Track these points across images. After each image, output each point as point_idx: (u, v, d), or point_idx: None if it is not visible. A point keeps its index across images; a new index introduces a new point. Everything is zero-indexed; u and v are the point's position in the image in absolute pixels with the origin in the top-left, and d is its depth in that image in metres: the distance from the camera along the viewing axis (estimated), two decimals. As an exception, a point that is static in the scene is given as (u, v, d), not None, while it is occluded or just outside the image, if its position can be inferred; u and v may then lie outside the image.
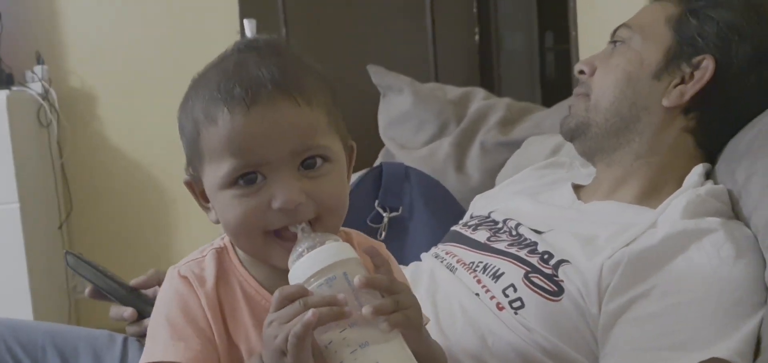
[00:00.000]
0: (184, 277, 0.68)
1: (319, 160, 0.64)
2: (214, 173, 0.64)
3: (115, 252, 2.49)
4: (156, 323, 0.68)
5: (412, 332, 0.63)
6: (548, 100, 1.93)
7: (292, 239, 0.63)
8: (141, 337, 0.98)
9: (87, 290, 1.01)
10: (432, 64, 2.38)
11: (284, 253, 0.63)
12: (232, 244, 0.71)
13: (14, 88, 2.19)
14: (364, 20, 2.48)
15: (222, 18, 2.45)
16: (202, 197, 0.69)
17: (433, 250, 1.00)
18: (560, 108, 1.40)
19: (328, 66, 2.23)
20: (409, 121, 1.56)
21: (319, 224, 0.65)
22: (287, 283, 0.63)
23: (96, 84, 2.45)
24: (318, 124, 0.65)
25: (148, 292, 1.00)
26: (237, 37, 2.41)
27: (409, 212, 1.27)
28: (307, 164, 0.64)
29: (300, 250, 0.62)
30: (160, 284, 1.02)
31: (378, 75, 1.66)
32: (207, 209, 0.69)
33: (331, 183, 0.65)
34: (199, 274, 0.68)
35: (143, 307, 0.96)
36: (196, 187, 0.70)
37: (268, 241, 0.65)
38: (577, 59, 1.59)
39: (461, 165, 1.44)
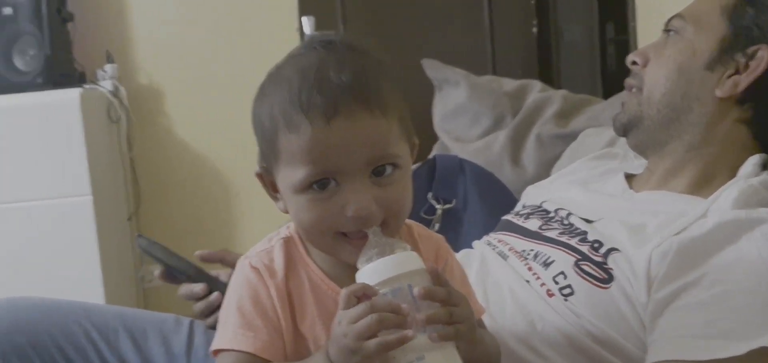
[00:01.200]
0: (255, 268, 0.71)
1: (389, 168, 0.67)
2: (290, 176, 0.67)
3: (181, 243, 2.56)
4: (227, 311, 0.71)
5: (463, 343, 0.65)
6: (609, 92, 1.91)
7: (362, 239, 0.66)
8: (207, 316, 1.02)
9: (157, 272, 1.07)
10: (489, 57, 2.37)
11: (353, 251, 0.67)
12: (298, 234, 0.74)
13: (86, 87, 2.29)
14: (421, 14, 2.48)
15: (281, 15, 2.50)
16: (272, 188, 0.73)
17: (485, 237, 1.02)
18: (617, 100, 1.39)
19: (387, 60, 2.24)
20: (465, 114, 1.58)
21: (386, 227, 0.67)
22: (352, 275, 0.66)
23: (163, 81, 2.54)
24: (391, 133, 0.67)
25: (214, 272, 1.05)
26: (296, 34, 2.47)
27: (463, 204, 1.29)
28: (378, 171, 0.66)
29: (370, 253, 0.65)
30: (223, 262, 1.08)
31: (433, 69, 1.68)
32: (276, 199, 0.73)
33: (399, 189, 0.68)
34: (268, 265, 0.72)
35: (212, 284, 1.01)
36: (266, 178, 0.73)
37: (337, 239, 0.68)
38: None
39: (517, 158, 1.45)
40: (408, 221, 0.76)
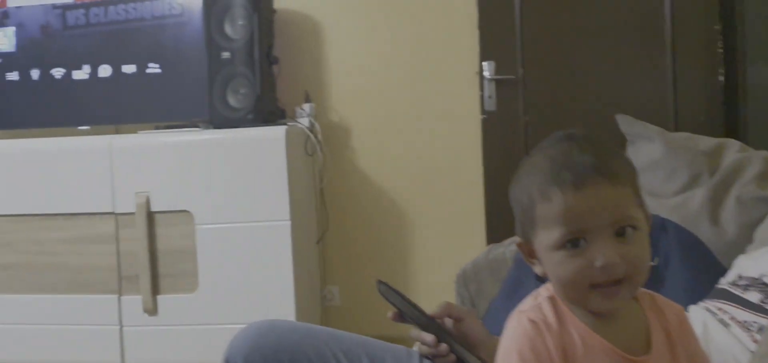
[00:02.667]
0: (533, 321, 0.83)
1: (629, 229, 0.79)
2: (547, 239, 0.81)
3: (359, 267, 2.78)
4: (507, 359, 0.83)
5: None
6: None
7: (610, 289, 0.79)
8: (433, 357, 1.15)
9: (390, 314, 1.20)
10: (672, 106, 2.33)
11: (602, 300, 0.80)
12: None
13: (288, 123, 2.54)
14: (601, 60, 2.48)
15: (462, 60, 2.63)
16: (529, 254, 0.86)
17: (703, 303, 1.07)
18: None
19: (564, 106, 2.37)
20: (660, 170, 1.62)
21: (627, 283, 0.79)
22: (609, 329, 0.81)
23: (351, 119, 2.75)
24: (628, 199, 0.80)
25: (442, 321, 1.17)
26: (475, 78, 2.60)
27: (664, 263, 1.33)
28: (620, 232, 0.79)
29: None
30: (450, 316, 1.20)
31: (626, 123, 1.73)
32: (533, 264, 0.86)
33: (638, 248, 0.80)
34: (543, 319, 0.83)
35: (441, 334, 1.14)
36: (525, 246, 0.87)
37: (589, 291, 0.80)
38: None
39: (716, 217, 1.47)
40: (649, 291, 0.86)
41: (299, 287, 2.40)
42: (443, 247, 2.71)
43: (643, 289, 0.85)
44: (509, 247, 1.85)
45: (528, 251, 0.87)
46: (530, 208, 0.83)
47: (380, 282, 1.19)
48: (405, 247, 2.75)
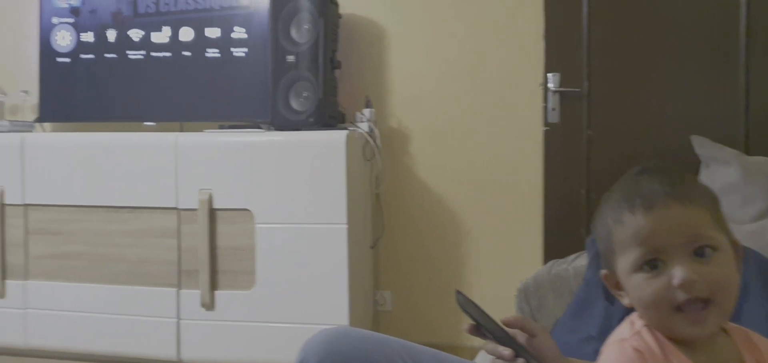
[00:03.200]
0: (638, 351, 0.82)
1: (708, 250, 0.80)
2: (625, 262, 0.83)
3: (412, 274, 2.78)
4: None
5: None
6: None
7: (694, 312, 0.78)
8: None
9: (467, 326, 1.19)
10: (742, 127, 2.26)
11: (686, 324, 0.79)
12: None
13: (349, 127, 2.55)
14: (670, 76, 2.42)
15: (526, 71, 2.61)
16: (616, 287, 0.87)
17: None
18: None
19: (630, 122, 2.32)
20: (735, 194, 1.58)
21: (713, 307, 0.79)
22: (699, 359, 0.79)
23: (410, 125, 2.75)
24: (703, 220, 0.81)
25: (514, 333, 1.16)
26: (539, 90, 2.57)
27: (743, 292, 1.30)
28: (698, 252, 0.79)
29: None
30: (523, 330, 1.19)
31: (701, 145, 1.69)
32: (620, 296, 0.86)
33: (719, 268, 0.80)
34: (647, 348, 0.82)
35: (517, 348, 1.13)
36: (611, 278, 0.87)
37: (673, 314, 0.80)
38: None
39: (796, 246, 1.43)
40: (744, 328, 0.84)
41: (353, 290, 2.41)
42: (499, 259, 2.69)
43: (737, 326, 0.83)
44: (572, 263, 1.83)
45: (614, 283, 0.88)
46: (609, 237, 0.85)
47: (459, 293, 1.18)
48: (460, 257, 2.74)
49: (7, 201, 2.60)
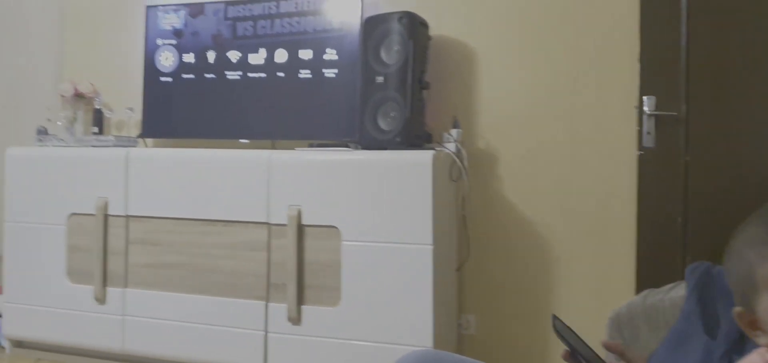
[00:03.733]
0: None
1: None
2: None
3: (498, 298, 2.74)
4: None
5: None
6: None
7: None
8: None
9: (563, 352, 1.17)
10: None
11: None
12: None
13: (436, 148, 2.56)
14: None
15: (621, 93, 2.54)
16: (751, 326, 0.84)
17: None
18: None
19: (730, 148, 2.21)
20: None
21: None
22: None
23: (499, 147, 2.72)
24: None
25: (610, 360, 1.13)
26: (633, 112, 2.50)
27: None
28: None
29: None
30: (623, 356, 1.15)
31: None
32: (755, 336, 0.82)
33: None
34: None
35: None
36: (746, 317, 0.84)
37: None
38: None
39: None
40: None
41: (437, 312, 2.40)
42: (589, 286, 2.61)
43: None
44: (668, 293, 1.75)
45: (749, 322, 0.85)
46: (750, 274, 0.81)
47: (555, 317, 1.16)
48: (547, 283, 2.68)
49: (110, 212, 2.75)
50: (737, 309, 0.85)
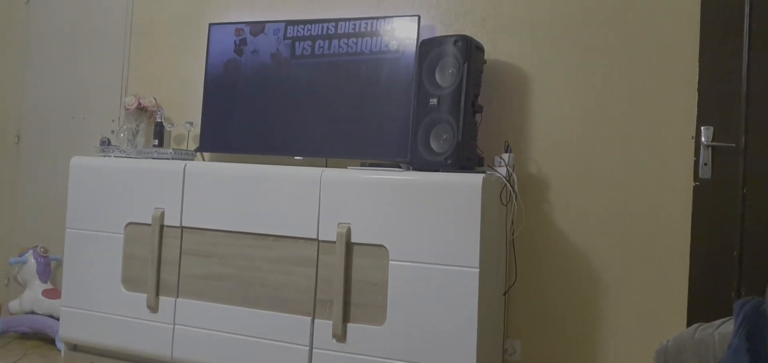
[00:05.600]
0: None
1: None
2: None
3: (544, 325, 2.70)
4: None
5: None
6: None
7: None
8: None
9: None
10: None
11: None
12: None
13: (487, 171, 2.55)
14: None
15: (677, 123, 2.49)
16: None
17: None
18: None
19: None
20: None
21: None
22: None
23: (551, 172, 2.70)
24: None
25: None
26: (690, 143, 2.44)
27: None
28: None
29: None
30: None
31: None
32: None
33: None
34: None
35: None
36: None
37: None
38: None
39: None
40: None
41: (482, 336, 2.39)
42: (638, 317, 2.55)
43: None
44: (718, 328, 1.70)
45: None
46: None
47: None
48: (596, 311, 2.63)
49: (166, 222, 2.83)
50: None
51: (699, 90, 2.43)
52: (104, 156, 3.06)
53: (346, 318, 2.51)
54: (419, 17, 2.75)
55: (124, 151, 3.08)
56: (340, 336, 2.51)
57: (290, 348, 2.59)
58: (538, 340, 2.71)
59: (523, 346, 2.73)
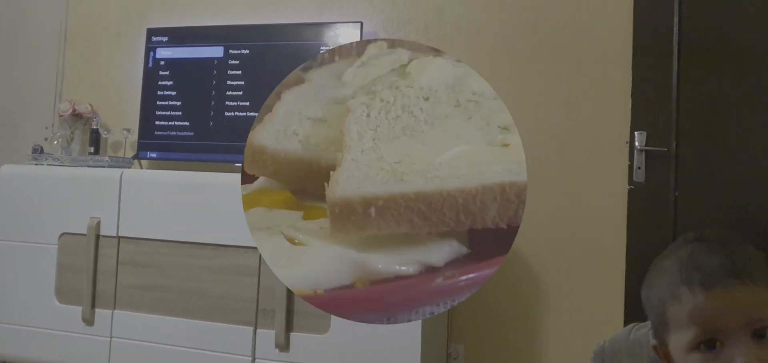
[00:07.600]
0: None
1: None
2: (680, 340, 0.80)
3: (487, 328, 2.73)
4: None
5: None
6: None
7: None
8: None
9: None
10: None
11: None
12: None
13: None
14: (764, 134, 2.33)
15: (612, 128, 2.56)
16: (666, 359, 0.85)
17: None
18: None
19: (719, 186, 2.22)
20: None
21: None
22: None
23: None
24: (765, 301, 0.77)
25: None
26: (625, 148, 2.51)
27: None
28: (758, 334, 0.76)
29: None
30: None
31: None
32: None
33: None
34: None
35: None
36: (661, 350, 0.85)
37: None
38: None
39: None
40: None
41: (426, 342, 2.39)
42: (577, 318, 2.61)
43: None
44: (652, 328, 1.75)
45: (664, 355, 0.85)
46: (662, 311, 0.82)
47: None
48: (536, 314, 2.68)
49: (102, 232, 2.75)
50: (653, 343, 0.87)
51: (632, 96, 2.51)
52: (37, 164, 2.96)
53: (289, 327, 2.48)
54: (362, 24, 2.75)
55: (58, 159, 2.99)
56: (284, 345, 2.48)
57: (232, 359, 2.55)
58: (481, 344, 2.74)
59: (466, 350, 2.76)
